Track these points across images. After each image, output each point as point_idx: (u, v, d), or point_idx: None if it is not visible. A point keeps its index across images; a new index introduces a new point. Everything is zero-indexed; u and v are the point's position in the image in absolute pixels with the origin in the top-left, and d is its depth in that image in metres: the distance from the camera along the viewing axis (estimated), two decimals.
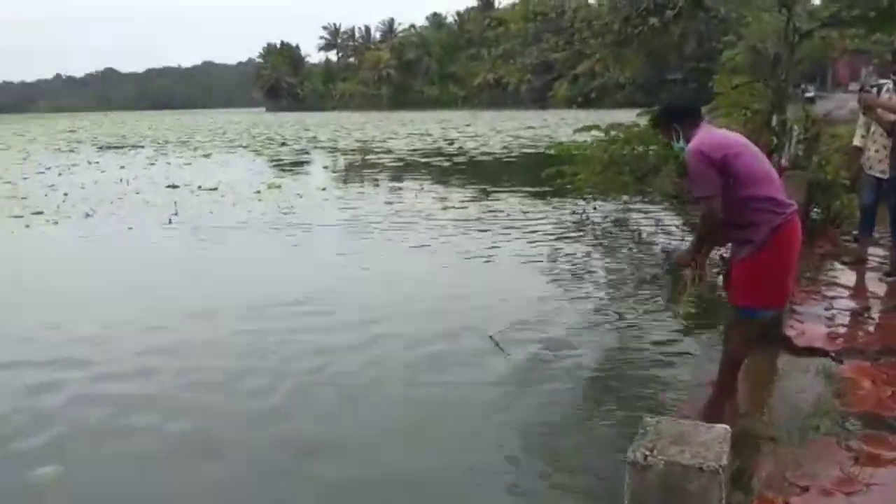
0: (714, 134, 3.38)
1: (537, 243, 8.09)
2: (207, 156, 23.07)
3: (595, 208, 10.47)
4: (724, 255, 3.53)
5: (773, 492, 2.85)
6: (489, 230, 8.96)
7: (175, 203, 11.47)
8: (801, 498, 2.80)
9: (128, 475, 3.37)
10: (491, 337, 4.73)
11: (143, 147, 27.86)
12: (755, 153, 3.37)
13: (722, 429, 1.89)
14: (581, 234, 8.76)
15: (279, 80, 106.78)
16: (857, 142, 6.21)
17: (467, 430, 3.68)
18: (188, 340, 5.07)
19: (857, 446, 3.19)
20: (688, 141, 3.35)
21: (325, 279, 6.78)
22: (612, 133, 9.04)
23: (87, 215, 10.66)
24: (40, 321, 5.55)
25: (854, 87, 18.87)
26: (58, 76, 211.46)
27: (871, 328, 4.90)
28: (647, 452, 1.82)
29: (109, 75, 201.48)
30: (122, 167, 18.84)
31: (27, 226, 9.90)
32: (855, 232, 7.15)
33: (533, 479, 3.19)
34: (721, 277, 3.57)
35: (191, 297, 6.17)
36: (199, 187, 13.76)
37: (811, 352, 4.35)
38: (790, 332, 4.63)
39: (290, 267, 7.35)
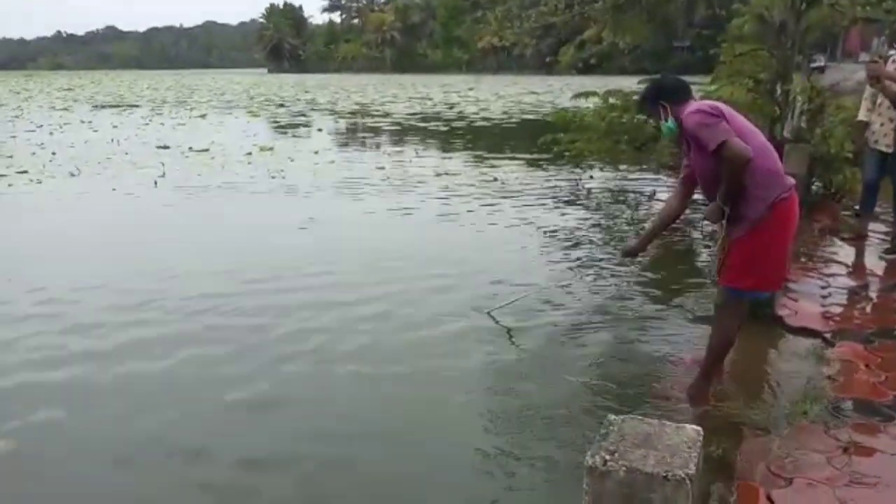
0: (706, 102, 3.21)
1: (530, 212, 7.87)
2: (203, 116, 22.73)
3: (592, 177, 10.24)
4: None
5: (755, 483, 2.70)
6: (482, 198, 8.73)
7: (163, 165, 11.23)
8: (784, 491, 2.64)
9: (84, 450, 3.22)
10: (489, 313, 4.53)
11: (138, 107, 27.46)
12: (751, 125, 3.19)
13: (693, 431, 1.71)
14: (577, 202, 8.53)
15: (281, 41, 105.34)
16: (862, 115, 5.97)
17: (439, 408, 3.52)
18: (149, 303, 4.90)
19: (846, 435, 3.03)
20: (676, 119, 3.18)
21: (295, 247, 6.60)
22: (611, 100, 8.77)
23: (72, 175, 10.44)
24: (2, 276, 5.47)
25: (864, 57, 18.40)
26: (58, 34, 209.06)
27: (868, 308, 4.72)
28: (608, 457, 1.63)
29: (110, 34, 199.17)
30: (115, 127, 18.54)
31: (10, 185, 9.68)
32: (856, 207, 6.94)
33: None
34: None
35: (159, 261, 5.97)
36: (190, 149, 13.50)
37: (803, 332, 4.19)
38: (783, 311, 4.46)
39: (266, 233, 7.12)
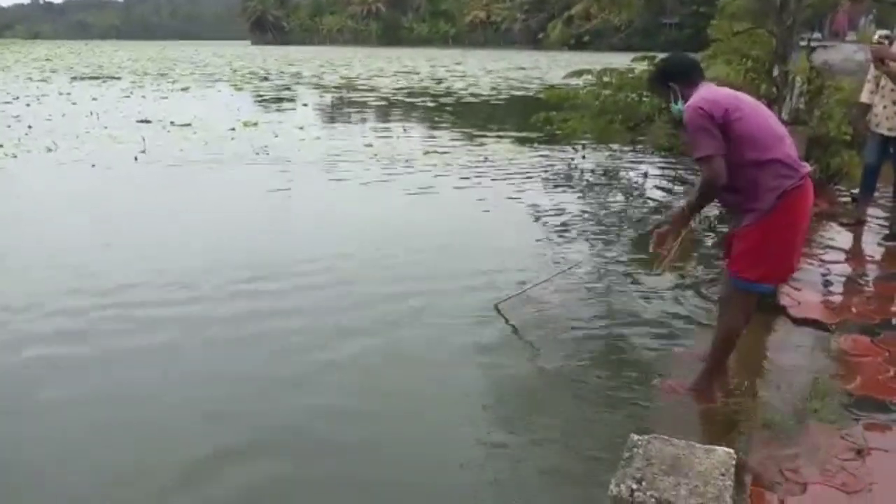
0: (715, 91, 3.03)
1: (522, 193, 7.68)
2: (185, 90, 22.22)
3: (584, 157, 10.06)
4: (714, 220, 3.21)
5: (767, 490, 2.57)
6: (472, 177, 8.54)
7: (144, 139, 10.90)
8: (799, 498, 2.51)
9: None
10: (496, 307, 4.29)
11: (119, 79, 26.80)
12: (762, 111, 3.02)
13: (724, 454, 1.55)
14: (570, 183, 8.36)
15: (265, 13, 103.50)
16: (864, 97, 5.83)
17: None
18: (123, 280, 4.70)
19: (858, 436, 2.91)
20: (686, 101, 3.02)
21: (277, 226, 6.42)
22: (605, 79, 8.56)
23: (49, 150, 10.09)
24: None
25: (852, 37, 18.30)
26: (36, 1, 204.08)
27: (870, 298, 4.60)
28: (634, 486, 1.46)
29: (90, 2, 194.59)
30: (95, 99, 18.05)
31: None
32: (854, 191, 6.83)
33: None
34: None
35: (134, 241, 5.78)
36: (172, 123, 13.14)
37: (807, 324, 4.07)
38: (786, 301, 4.33)
39: (242, 213, 6.90)
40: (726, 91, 3.09)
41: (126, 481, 2.76)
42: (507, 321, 4.18)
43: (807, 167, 2.99)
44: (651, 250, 3.19)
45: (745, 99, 3.03)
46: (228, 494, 2.70)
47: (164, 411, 3.26)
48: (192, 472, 2.80)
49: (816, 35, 10.24)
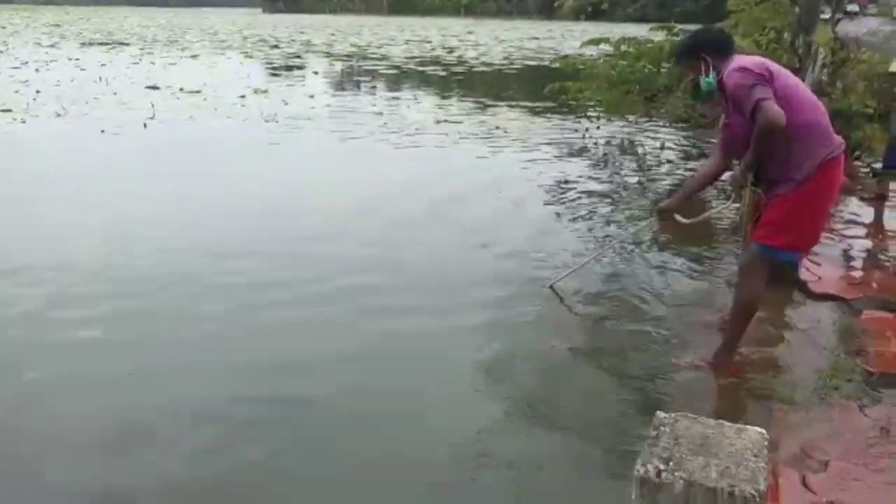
0: (752, 58, 3.02)
1: (538, 165, 7.55)
2: (195, 57, 22.02)
3: (599, 128, 9.89)
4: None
5: (788, 466, 2.51)
6: (485, 147, 8.41)
7: (153, 106, 10.80)
8: (821, 477, 2.45)
9: None
10: (551, 286, 4.09)
11: (128, 45, 26.59)
12: (796, 79, 3.02)
13: (756, 434, 1.46)
14: (584, 155, 8.21)
15: None
16: (894, 67, 5.65)
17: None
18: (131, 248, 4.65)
19: (881, 414, 2.84)
20: (718, 73, 2.99)
21: (289, 192, 6.37)
22: (623, 48, 8.37)
23: (58, 115, 10.01)
24: None
25: (872, 9, 17.88)
26: None
27: (891, 273, 4.50)
28: (662, 466, 1.38)
29: None
30: (103, 65, 17.90)
31: None
32: (875, 165, 6.68)
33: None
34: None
35: (147, 208, 5.72)
36: (181, 90, 13.02)
37: (828, 299, 3.97)
38: (807, 276, 4.23)
39: (255, 178, 6.83)
40: (762, 59, 3.06)
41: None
42: (561, 300, 4.01)
43: (841, 139, 2.93)
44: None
45: (783, 69, 3.02)
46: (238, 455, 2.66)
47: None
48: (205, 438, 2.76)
49: (853, 7, 9.90)
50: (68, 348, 3.43)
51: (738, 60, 2.96)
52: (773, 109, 2.73)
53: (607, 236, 5.15)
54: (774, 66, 2.92)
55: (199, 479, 2.53)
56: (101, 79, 14.53)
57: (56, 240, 4.91)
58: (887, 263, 4.72)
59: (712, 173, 3.34)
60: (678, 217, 3.50)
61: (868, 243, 5.06)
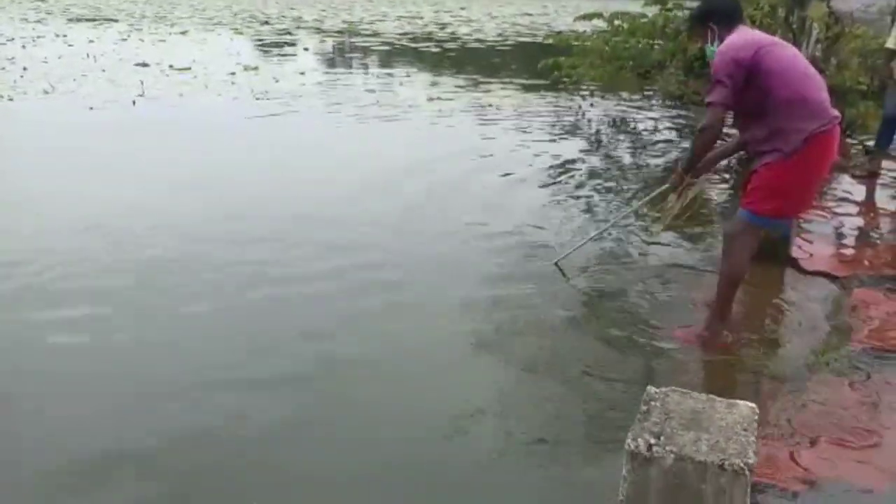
0: (750, 32, 3.06)
1: (534, 144, 7.49)
2: (184, 33, 21.70)
3: (592, 105, 9.83)
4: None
5: (776, 441, 2.54)
6: (479, 124, 8.36)
7: (142, 83, 10.66)
8: (810, 451, 2.48)
9: None
10: (556, 263, 4.08)
11: (116, 21, 26.17)
12: (793, 51, 3.06)
13: (747, 408, 1.49)
14: (577, 133, 8.17)
15: None
16: (891, 43, 5.63)
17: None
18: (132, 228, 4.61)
19: (870, 389, 2.87)
20: (722, 42, 3.03)
21: (281, 171, 6.32)
22: (616, 23, 8.30)
23: (46, 93, 9.87)
24: None
25: None
26: None
27: (883, 251, 4.52)
28: (652, 440, 1.40)
29: None
30: (91, 42, 17.62)
31: None
32: (867, 143, 6.69)
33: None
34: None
35: (137, 184, 5.68)
36: (171, 67, 12.84)
37: (820, 276, 3.99)
38: (798, 253, 4.25)
39: (247, 156, 6.78)
40: (761, 33, 3.14)
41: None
42: (565, 276, 4.00)
43: (836, 112, 2.93)
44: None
45: (779, 41, 3.09)
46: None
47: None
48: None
49: None
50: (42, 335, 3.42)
51: (734, 37, 2.97)
52: (716, 116, 2.93)
53: (610, 212, 5.15)
54: (766, 42, 2.94)
55: (188, 460, 2.53)
56: (89, 55, 14.32)
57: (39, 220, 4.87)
58: (878, 241, 4.75)
59: (736, 144, 3.41)
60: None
61: (860, 221, 5.09)
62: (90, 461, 2.48)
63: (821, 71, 6.52)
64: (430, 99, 10.10)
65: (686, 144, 7.55)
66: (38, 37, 18.55)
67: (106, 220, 4.82)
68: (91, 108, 8.84)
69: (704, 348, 3.20)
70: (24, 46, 15.99)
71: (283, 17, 31.31)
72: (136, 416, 2.76)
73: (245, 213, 5.07)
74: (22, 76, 11.28)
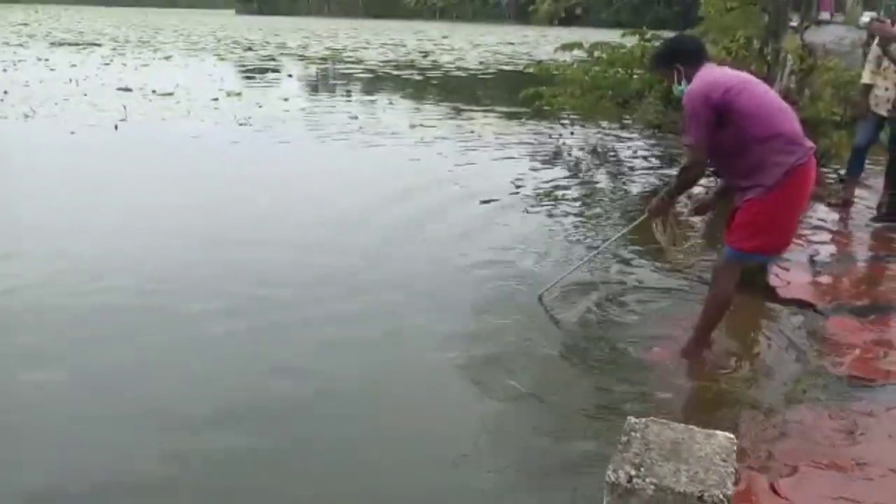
0: (717, 71, 3.09)
1: (514, 169, 7.56)
2: (168, 58, 21.76)
3: (573, 133, 9.96)
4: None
5: (756, 471, 2.55)
6: (460, 152, 8.42)
7: (125, 107, 10.65)
8: (789, 480, 2.49)
9: None
10: (539, 297, 4.03)
11: (99, 45, 26.18)
12: (763, 88, 3.08)
13: (725, 439, 1.50)
14: (557, 161, 8.24)
15: None
16: (866, 78, 5.76)
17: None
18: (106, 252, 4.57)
19: (848, 417, 2.90)
20: (689, 82, 3.06)
21: (262, 198, 6.29)
22: (596, 53, 8.46)
23: (27, 116, 9.82)
24: None
25: (839, 18, 18.28)
26: None
27: (858, 279, 4.60)
28: (633, 472, 1.40)
29: None
30: (74, 66, 17.61)
31: None
32: (842, 172, 6.82)
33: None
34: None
35: (116, 209, 5.64)
36: (154, 92, 12.86)
37: (797, 304, 4.04)
38: (775, 282, 4.31)
39: (227, 182, 6.78)
40: (727, 70, 3.15)
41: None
42: (547, 310, 3.94)
43: (811, 143, 3.00)
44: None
45: (747, 77, 3.11)
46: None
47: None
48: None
49: (824, 15, 10.08)
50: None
51: (703, 75, 3.02)
52: (696, 157, 3.01)
53: (591, 240, 5.16)
54: (735, 81, 2.96)
55: (179, 478, 2.50)
56: (71, 80, 14.28)
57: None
58: (854, 269, 4.83)
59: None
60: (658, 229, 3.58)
61: (835, 248, 5.16)
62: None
63: (793, 103, 6.70)
64: (413, 126, 10.18)
65: (665, 171, 7.66)
66: (20, 60, 18.49)
67: (74, 248, 4.75)
68: (72, 133, 8.81)
69: (683, 365, 3.27)
70: (4, 70, 15.94)
71: (266, 42, 31.50)
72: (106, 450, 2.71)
73: (221, 238, 5.05)
74: (2, 100, 11.23)
